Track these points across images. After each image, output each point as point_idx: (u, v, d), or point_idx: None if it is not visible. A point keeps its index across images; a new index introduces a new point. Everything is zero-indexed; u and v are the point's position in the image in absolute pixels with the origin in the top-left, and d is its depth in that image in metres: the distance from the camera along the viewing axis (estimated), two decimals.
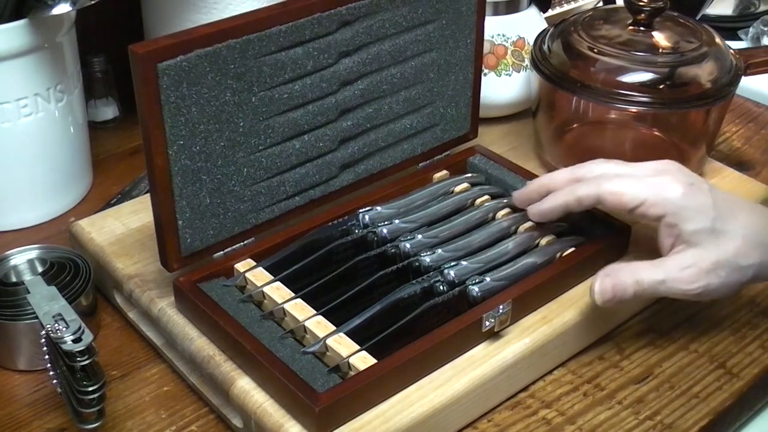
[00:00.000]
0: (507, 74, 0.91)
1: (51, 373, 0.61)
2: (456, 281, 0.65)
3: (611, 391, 0.66)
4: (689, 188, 0.64)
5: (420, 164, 0.79)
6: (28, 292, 0.65)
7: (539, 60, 0.83)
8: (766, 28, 1.13)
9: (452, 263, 0.67)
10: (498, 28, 0.90)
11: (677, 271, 0.63)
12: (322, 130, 0.70)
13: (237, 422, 0.61)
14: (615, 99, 0.78)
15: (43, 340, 0.61)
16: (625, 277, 0.64)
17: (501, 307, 0.62)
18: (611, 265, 0.65)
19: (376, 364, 0.59)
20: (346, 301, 0.64)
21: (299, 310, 0.63)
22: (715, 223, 0.63)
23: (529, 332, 0.64)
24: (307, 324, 0.62)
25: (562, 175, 0.68)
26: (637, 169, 0.66)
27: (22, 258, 0.71)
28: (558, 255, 0.69)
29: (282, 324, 0.64)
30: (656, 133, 0.86)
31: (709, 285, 0.63)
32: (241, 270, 0.67)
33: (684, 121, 0.84)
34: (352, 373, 0.59)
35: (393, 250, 0.68)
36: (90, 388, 0.58)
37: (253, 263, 0.67)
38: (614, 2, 1.16)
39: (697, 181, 0.65)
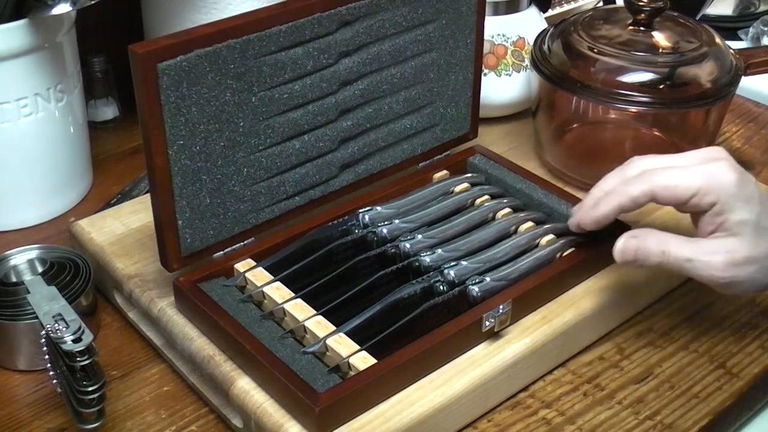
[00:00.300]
0: (507, 74, 0.91)
1: (51, 373, 0.61)
2: (456, 281, 0.65)
3: (611, 391, 0.66)
4: (742, 176, 0.62)
5: (420, 164, 0.79)
6: (28, 292, 0.65)
7: (539, 60, 0.83)
8: (766, 28, 1.13)
9: (452, 263, 0.67)
10: (498, 28, 0.90)
11: (709, 255, 0.61)
12: (322, 130, 0.70)
13: (237, 422, 0.61)
14: (615, 99, 0.78)
15: (43, 340, 0.61)
16: (652, 244, 0.62)
17: (501, 307, 0.62)
18: (641, 229, 0.64)
19: (376, 364, 0.59)
20: (346, 301, 0.64)
21: (299, 310, 0.63)
22: (760, 218, 0.61)
23: (529, 332, 0.64)
24: (307, 324, 0.62)
25: (612, 179, 0.65)
26: (686, 158, 0.64)
27: (22, 258, 0.70)
28: (558, 255, 0.69)
29: (282, 324, 0.64)
30: (656, 133, 0.86)
31: (737, 277, 0.61)
32: (241, 270, 0.67)
33: (684, 121, 0.84)
34: (352, 373, 0.59)
35: (393, 250, 0.68)
36: (90, 388, 0.58)
37: (253, 263, 0.67)
38: (614, 2, 1.16)
39: (745, 172, 0.63)
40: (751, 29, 1.14)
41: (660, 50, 0.81)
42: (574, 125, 0.86)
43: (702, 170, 0.62)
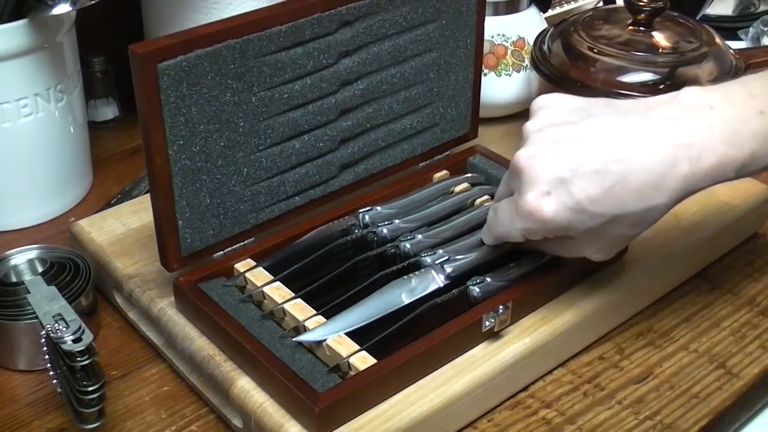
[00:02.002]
0: (507, 74, 0.91)
1: (51, 373, 0.61)
2: (452, 274, 0.65)
3: (611, 391, 0.66)
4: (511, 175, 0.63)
5: (420, 164, 0.79)
6: (28, 292, 0.65)
7: (539, 60, 0.83)
8: (766, 28, 1.13)
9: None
10: (498, 28, 0.90)
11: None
12: (322, 130, 0.70)
13: (237, 422, 0.61)
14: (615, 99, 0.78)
15: (43, 340, 0.61)
16: (492, 235, 0.66)
17: (501, 307, 0.62)
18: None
19: (376, 364, 0.59)
20: (346, 301, 0.64)
21: (299, 310, 0.63)
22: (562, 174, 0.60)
23: (529, 332, 0.64)
24: (307, 324, 0.62)
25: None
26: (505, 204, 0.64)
27: (22, 258, 0.70)
28: None
29: (282, 324, 0.64)
30: None
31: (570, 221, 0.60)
32: (241, 270, 0.67)
33: None
34: (352, 373, 0.59)
35: (393, 250, 0.68)
36: (90, 388, 0.58)
37: (253, 263, 0.67)
38: (614, 2, 1.16)
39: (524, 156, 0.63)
40: (751, 29, 1.14)
41: (660, 50, 0.81)
42: None
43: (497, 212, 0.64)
